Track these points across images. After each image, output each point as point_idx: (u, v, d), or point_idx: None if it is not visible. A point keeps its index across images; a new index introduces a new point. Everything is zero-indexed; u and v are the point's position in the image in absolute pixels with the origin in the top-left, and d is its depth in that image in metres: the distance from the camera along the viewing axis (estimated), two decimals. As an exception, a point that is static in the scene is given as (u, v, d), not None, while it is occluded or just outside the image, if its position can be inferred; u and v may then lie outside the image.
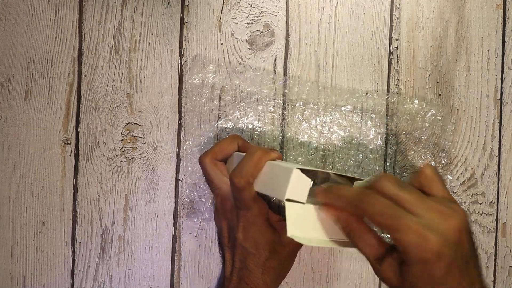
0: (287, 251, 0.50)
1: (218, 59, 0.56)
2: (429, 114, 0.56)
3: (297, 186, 0.43)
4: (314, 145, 0.57)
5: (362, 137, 0.57)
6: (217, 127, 0.56)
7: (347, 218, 0.42)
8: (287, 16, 0.56)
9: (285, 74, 0.56)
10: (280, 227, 0.49)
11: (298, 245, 0.51)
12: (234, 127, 0.56)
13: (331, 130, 0.56)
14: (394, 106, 0.56)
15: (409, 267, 0.37)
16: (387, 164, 0.57)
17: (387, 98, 0.56)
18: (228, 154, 0.52)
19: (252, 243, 0.48)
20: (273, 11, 0.56)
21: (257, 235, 0.48)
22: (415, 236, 0.36)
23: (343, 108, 0.56)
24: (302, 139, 0.56)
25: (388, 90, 0.56)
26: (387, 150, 0.57)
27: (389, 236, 0.40)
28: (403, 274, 0.38)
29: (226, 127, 0.56)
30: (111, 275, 0.57)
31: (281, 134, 0.56)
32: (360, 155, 0.56)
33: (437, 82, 0.56)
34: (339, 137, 0.57)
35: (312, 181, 0.44)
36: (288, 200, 0.43)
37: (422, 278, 0.37)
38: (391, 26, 0.56)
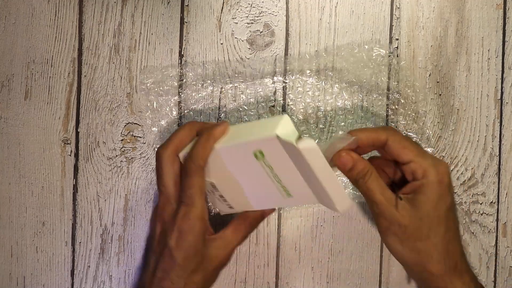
0: (213, 267, 0.47)
1: (218, 59, 0.56)
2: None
3: (286, 130, 0.41)
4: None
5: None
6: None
7: (365, 162, 0.45)
8: (287, 16, 0.56)
9: (285, 74, 0.56)
10: (211, 242, 0.47)
11: (223, 263, 0.48)
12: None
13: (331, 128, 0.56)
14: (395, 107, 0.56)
15: (424, 193, 0.44)
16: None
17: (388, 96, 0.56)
18: (187, 143, 0.48)
19: (183, 252, 0.45)
20: (273, 11, 0.56)
21: (189, 244, 0.45)
22: (433, 160, 0.44)
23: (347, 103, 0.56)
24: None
25: (388, 90, 0.56)
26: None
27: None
28: (416, 205, 0.44)
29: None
30: (111, 275, 0.57)
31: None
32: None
33: (437, 82, 0.56)
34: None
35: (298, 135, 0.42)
36: (278, 137, 0.41)
37: (433, 204, 0.44)
38: (391, 26, 0.56)
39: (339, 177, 0.53)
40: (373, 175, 0.44)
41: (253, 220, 0.49)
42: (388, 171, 0.49)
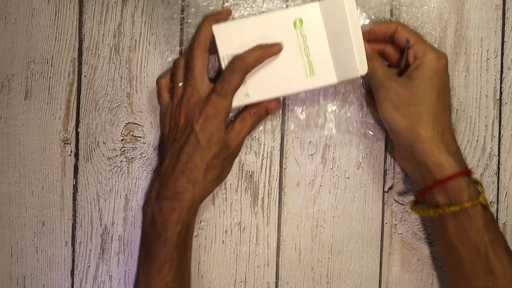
0: (229, 153, 0.52)
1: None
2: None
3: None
4: (314, 145, 0.57)
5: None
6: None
7: (370, 48, 0.51)
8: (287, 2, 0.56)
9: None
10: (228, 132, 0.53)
11: (235, 153, 0.54)
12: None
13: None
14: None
15: (421, 67, 0.50)
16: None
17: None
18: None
19: (207, 135, 0.50)
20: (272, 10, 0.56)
21: (213, 129, 0.50)
22: (434, 47, 0.51)
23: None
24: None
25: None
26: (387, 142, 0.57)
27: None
28: (413, 76, 0.50)
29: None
30: (111, 275, 0.57)
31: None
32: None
33: (437, 82, 0.56)
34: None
35: None
36: None
37: (429, 76, 0.50)
38: (391, 15, 0.56)
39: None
40: (377, 58, 0.51)
41: (258, 110, 0.53)
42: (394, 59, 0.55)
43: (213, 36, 0.51)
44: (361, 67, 0.50)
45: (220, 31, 0.51)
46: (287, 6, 0.56)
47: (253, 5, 0.56)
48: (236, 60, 0.50)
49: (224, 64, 0.51)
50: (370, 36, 0.53)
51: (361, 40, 0.51)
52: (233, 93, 0.50)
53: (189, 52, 0.52)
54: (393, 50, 0.54)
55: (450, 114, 0.52)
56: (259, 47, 0.50)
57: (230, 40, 0.51)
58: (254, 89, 0.52)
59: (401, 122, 0.49)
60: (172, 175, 0.50)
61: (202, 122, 0.50)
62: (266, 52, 0.50)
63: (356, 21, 0.51)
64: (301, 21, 0.51)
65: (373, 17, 0.56)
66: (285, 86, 0.52)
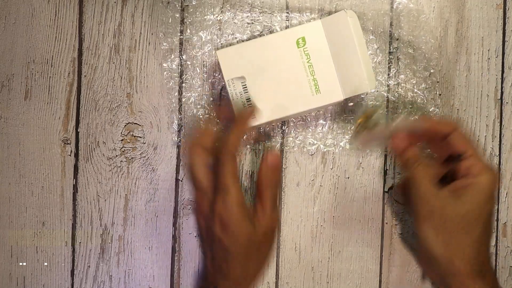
0: (262, 240, 0.48)
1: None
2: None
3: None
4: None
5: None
6: (217, 124, 0.56)
7: (416, 150, 0.48)
8: (287, 15, 0.56)
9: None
10: (254, 219, 0.48)
11: (273, 235, 0.50)
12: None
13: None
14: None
15: (474, 191, 0.45)
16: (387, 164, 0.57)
17: (387, 97, 0.56)
18: (213, 135, 0.50)
19: (230, 234, 0.46)
20: (273, 11, 0.56)
21: (234, 225, 0.46)
22: (488, 163, 0.47)
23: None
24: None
25: (388, 90, 0.56)
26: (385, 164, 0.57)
27: None
28: (463, 201, 0.45)
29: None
30: (111, 275, 0.57)
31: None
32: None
33: (437, 82, 0.56)
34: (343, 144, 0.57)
35: None
36: None
37: (480, 204, 0.45)
38: (391, 25, 0.56)
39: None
40: (423, 164, 0.47)
41: (268, 180, 0.49)
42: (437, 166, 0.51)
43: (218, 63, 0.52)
44: (370, 82, 0.50)
45: (224, 56, 0.51)
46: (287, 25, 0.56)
47: (251, 10, 0.56)
48: (218, 150, 0.47)
49: (229, 88, 0.51)
50: (419, 132, 0.49)
51: (367, 55, 0.51)
52: (235, 182, 0.46)
53: (187, 155, 0.49)
54: (439, 146, 0.50)
55: (489, 244, 0.48)
56: (233, 124, 0.49)
57: (235, 64, 0.51)
58: (260, 110, 0.51)
59: (439, 249, 0.45)
60: (211, 274, 0.49)
61: (219, 226, 0.46)
62: (241, 124, 0.49)
63: (361, 35, 0.51)
64: (303, 39, 0.51)
65: (371, 28, 0.56)
66: (291, 106, 0.51)
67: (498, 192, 0.57)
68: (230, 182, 0.46)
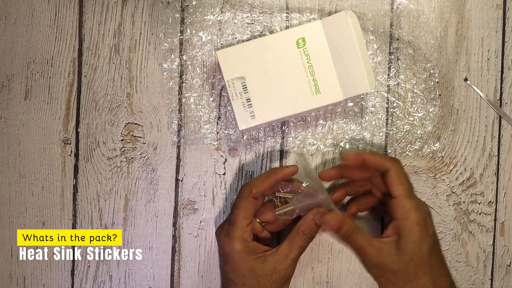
0: (273, 281, 0.49)
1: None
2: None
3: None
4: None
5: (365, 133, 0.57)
6: (217, 124, 0.56)
7: (350, 221, 0.49)
8: (287, 15, 0.56)
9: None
10: (268, 257, 0.49)
11: (285, 276, 0.49)
12: (236, 130, 0.56)
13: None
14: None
15: (406, 237, 0.46)
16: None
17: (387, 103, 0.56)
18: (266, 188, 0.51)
19: (231, 269, 0.49)
20: (273, 11, 0.56)
21: (235, 263, 0.49)
22: (417, 203, 0.48)
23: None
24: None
25: (388, 90, 0.56)
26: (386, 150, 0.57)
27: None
28: (401, 249, 0.46)
29: (226, 127, 0.56)
30: (111, 275, 0.57)
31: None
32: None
33: (437, 82, 0.56)
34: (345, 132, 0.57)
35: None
36: None
37: (417, 246, 0.46)
38: (391, 26, 0.56)
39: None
40: (359, 231, 0.48)
41: (306, 229, 0.49)
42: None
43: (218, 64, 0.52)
44: (369, 83, 0.51)
45: (224, 56, 0.51)
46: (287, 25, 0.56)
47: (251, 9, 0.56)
48: (243, 185, 0.51)
49: (229, 88, 0.51)
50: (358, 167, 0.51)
51: (367, 55, 0.51)
52: (245, 218, 0.50)
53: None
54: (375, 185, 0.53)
55: (447, 271, 0.49)
56: (269, 171, 0.51)
57: (235, 64, 0.51)
58: (261, 110, 0.51)
59: None
60: None
61: (222, 256, 0.51)
62: (274, 175, 0.50)
63: (361, 36, 0.51)
64: (303, 40, 0.51)
65: (371, 28, 0.56)
66: (291, 106, 0.52)
67: (497, 193, 0.57)
68: (239, 216, 0.49)
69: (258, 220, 0.52)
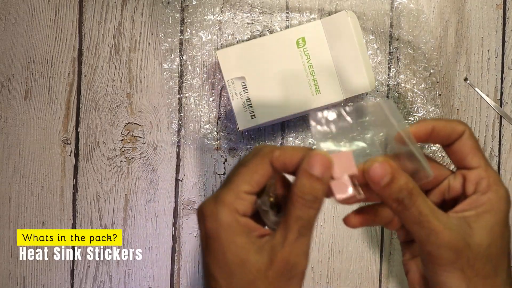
0: (269, 281, 0.32)
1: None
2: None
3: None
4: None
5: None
6: (217, 124, 0.56)
7: (406, 175, 0.33)
8: (287, 15, 0.56)
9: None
10: (261, 244, 0.33)
11: (290, 268, 0.32)
12: (236, 131, 0.56)
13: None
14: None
15: (492, 212, 0.34)
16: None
17: (387, 96, 0.56)
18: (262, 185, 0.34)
19: (214, 257, 0.33)
20: (273, 11, 0.56)
21: (221, 244, 0.32)
22: (499, 176, 0.36)
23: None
24: (302, 139, 0.56)
25: (388, 90, 0.56)
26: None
27: None
28: (484, 228, 0.33)
29: (226, 127, 0.56)
30: (111, 275, 0.57)
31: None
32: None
33: (437, 82, 0.56)
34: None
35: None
36: None
37: (501, 228, 0.34)
38: (391, 25, 0.56)
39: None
40: (420, 192, 0.33)
41: (300, 187, 0.32)
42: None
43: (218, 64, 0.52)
44: (369, 83, 0.51)
45: (224, 56, 0.51)
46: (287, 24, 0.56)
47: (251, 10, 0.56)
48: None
49: (229, 88, 0.51)
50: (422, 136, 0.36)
51: (367, 55, 0.51)
52: (235, 193, 0.33)
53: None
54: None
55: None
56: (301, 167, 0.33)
57: (235, 64, 0.51)
58: (260, 110, 0.51)
59: None
60: None
61: (206, 251, 0.34)
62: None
63: (361, 36, 0.51)
64: (303, 39, 0.51)
65: (371, 28, 0.56)
66: (291, 106, 0.51)
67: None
68: (239, 177, 0.33)
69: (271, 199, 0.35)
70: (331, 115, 0.35)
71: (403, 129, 0.34)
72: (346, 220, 0.37)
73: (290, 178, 0.34)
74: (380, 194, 0.33)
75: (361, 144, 0.36)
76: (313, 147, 0.35)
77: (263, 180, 0.34)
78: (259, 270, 0.32)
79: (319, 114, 0.35)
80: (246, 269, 0.32)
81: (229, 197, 0.33)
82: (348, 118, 0.36)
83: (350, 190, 0.33)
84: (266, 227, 0.35)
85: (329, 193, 0.33)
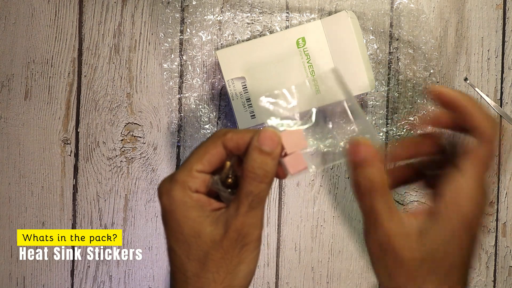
0: (225, 250, 0.34)
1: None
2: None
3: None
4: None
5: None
6: (217, 124, 0.56)
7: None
8: (287, 15, 0.56)
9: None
10: (216, 217, 0.35)
11: (242, 239, 0.34)
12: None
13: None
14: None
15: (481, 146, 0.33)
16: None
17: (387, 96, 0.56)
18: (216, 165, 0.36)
19: (171, 230, 0.35)
20: (273, 11, 0.56)
21: (176, 218, 0.35)
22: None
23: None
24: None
25: (388, 91, 0.56)
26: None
27: None
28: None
29: (226, 127, 0.56)
30: (110, 275, 0.57)
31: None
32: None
33: (437, 82, 0.56)
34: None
35: None
36: None
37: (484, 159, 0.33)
38: (391, 25, 0.56)
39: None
40: (386, 190, 0.34)
41: (251, 163, 0.34)
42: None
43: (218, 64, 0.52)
44: (369, 83, 0.51)
45: (224, 56, 0.51)
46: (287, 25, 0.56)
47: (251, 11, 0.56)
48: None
49: (229, 88, 0.51)
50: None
51: (367, 55, 0.51)
52: (197, 161, 0.35)
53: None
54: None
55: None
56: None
57: (235, 64, 0.51)
58: (260, 110, 0.51)
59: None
60: None
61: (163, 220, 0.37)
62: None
63: (361, 36, 0.51)
64: (304, 39, 0.51)
65: (371, 28, 0.56)
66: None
67: (498, 194, 0.57)
68: (192, 157, 0.35)
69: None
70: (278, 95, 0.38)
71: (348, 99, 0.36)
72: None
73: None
74: (352, 170, 0.35)
75: (309, 124, 0.39)
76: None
77: (215, 160, 0.35)
78: (214, 240, 0.34)
79: (265, 98, 0.37)
80: (201, 240, 0.34)
81: (182, 175, 0.35)
82: (293, 98, 0.39)
83: (304, 163, 0.35)
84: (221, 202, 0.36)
85: (281, 173, 0.35)
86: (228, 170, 0.36)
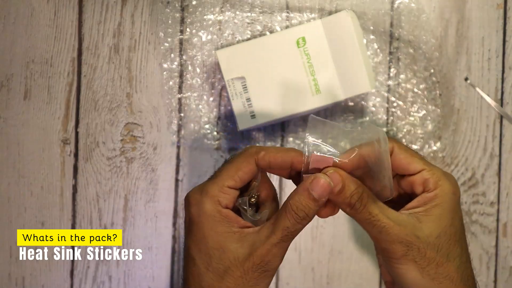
0: (245, 270, 0.36)
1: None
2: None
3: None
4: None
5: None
6: (217, 124, 0.56)
7: (356, 180, 0.37)
8: (287, 15, 0.56)
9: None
10: (242, 235, 0.37)
11: (266, 264, 0.37)
12: (234, 129, 0.56)
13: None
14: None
15: (439, 206, 0.37)
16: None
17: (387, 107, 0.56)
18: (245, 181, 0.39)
19: (195, 240, 0.37)
20: (273, 11, 0.56)
21: (202, 229, 0.37)
22: (443, 171, 0.39)
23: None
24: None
25: (388, 90, 0.56)
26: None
27: None
28: (432, 221, 0.37)
29: (226, 127, 0.56)
30: (110, 276, 0.57)
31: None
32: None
33: (438, 81, 0.56)
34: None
35: None
36: None
37: (450, 219, 0.37)
38: (391, 25, 0.56)
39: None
40: (370, 195, 0.37)
41: (296, 203, 0.37)
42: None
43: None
44: (370, 82, 0.51)
45: (224, 56, 0.51)
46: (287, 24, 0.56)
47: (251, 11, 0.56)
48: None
49: (229, 88, 0.51)
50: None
51: (367, 55, 0.51)
52: (223, 180, 0.38)
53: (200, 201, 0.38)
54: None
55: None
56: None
57: (235, 64, 0.51)
58: (261, 110, 0.51)
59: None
60: None
61: (188, 234, 0.39)
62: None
63: (361, 35, 0.51)
64: (304, 39, 0.51)
65: (371, 27, 0.56)
66: (292, 106, 0.51)
67: (499, 194, 0.57)
68: (225, 172, 0.38)
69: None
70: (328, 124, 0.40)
71: (384, 149, 0.37)
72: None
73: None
74: (334, 200, 0.37)
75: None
76: (305, 149, 0.38)
77: (247, 177, 0.38)
78: (236, 258, 0.36)
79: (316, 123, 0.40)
80: (225, 255, 0.36)
81: (214, 189, 0.37)
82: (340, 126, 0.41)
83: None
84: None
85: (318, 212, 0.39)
86: (254, 190, 0.39)
